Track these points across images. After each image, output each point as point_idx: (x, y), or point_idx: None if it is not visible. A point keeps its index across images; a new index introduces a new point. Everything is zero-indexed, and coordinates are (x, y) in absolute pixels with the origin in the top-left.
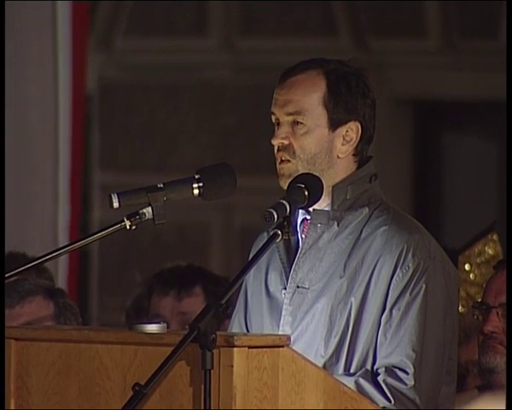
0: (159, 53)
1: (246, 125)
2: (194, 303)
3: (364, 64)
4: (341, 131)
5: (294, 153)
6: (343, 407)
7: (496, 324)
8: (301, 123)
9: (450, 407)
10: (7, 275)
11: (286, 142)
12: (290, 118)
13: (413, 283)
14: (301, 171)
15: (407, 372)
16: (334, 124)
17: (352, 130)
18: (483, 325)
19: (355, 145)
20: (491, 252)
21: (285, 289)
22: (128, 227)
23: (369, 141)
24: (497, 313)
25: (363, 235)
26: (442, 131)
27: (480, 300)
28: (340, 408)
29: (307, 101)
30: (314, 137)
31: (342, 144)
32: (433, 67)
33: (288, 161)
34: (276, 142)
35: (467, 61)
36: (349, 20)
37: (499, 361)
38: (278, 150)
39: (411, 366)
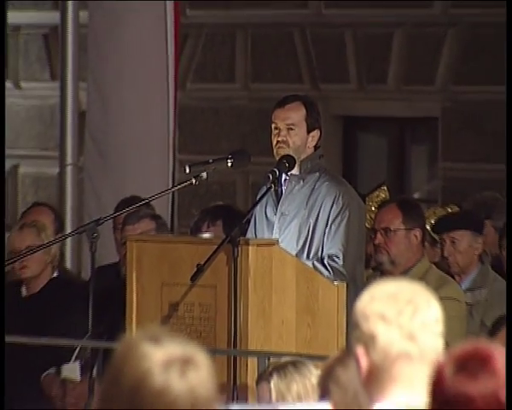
0: (208, 92)
1: (256, 132)
2: (216, 230)
3: (313, 97)
4: (311, 134)
5: (289, 145)
6: (308, 278)
7: (379, 239)
8: (293, 130)
9: (363, 277)
10: (131, 207)
11: (285, 139)
12: (287, 126)
13: (342, 211)
14: (290, 154)
15: (339, 257)
16: (309, 130)
17: (316, 133)
18: (373, 240)
19: (316, 141)
20: (382, 195)
21: (275, 215)
22: (194, 183)
23: (320, 139)
24: (380, 233)
25: (316, 186)
26: (358, 134)
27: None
28: (306, 278)
29: (296, 117)
30: (300, 137)
31: (311, 141)
32: (353, 99)
33: (283, 148)
34: (280, 138)
35: (372, 94)
36: (308, 72)
37: (383, 258)
38: (279, 143)
39: (341, 255)
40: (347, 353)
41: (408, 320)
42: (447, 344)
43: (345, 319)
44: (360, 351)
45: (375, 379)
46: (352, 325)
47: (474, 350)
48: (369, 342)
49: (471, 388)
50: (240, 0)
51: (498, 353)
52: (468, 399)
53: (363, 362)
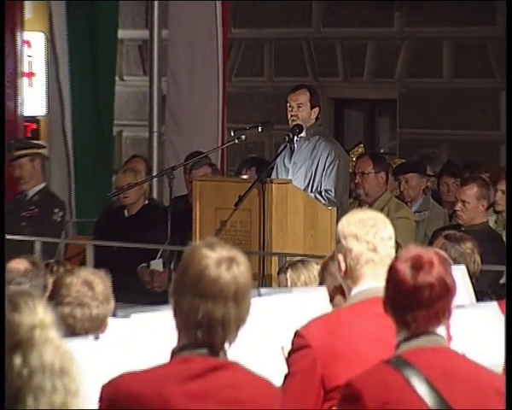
0: (246, 83)
1: (277, 109)
2: (251, 173)
3: (315, 86)
4: (314, 110)
5: (299, 118)
6: (311, 205)
7: (358, 179)
8: (301, 107)
9: (347, 203)
10: (195, 158)
11: (296, 113)
12: (297, 105)
13: (334, 161)
14: (300, 123)
15: (332, 191)
16: (312, 107)
17: (317, 110)
18: (354, 180)
19: (316, 114)
20: (360, 150)
21: (290, 163)
22: (236, 142)
23: (319, 113)
24: (358, 175)
25: (317, 145)
26: (344, 111)
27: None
28: (310, 205)
29: (303, 99)
30: (306, 112)
31: (313, 115)
32: (341, 87)
33: (295, 120)
34: (293, 113)
35: (353, 84)
36: (311, 69)
37: (360, 191)
38: (292, 116)
39: (333, 189)
40: None
41: (372, 238)
42: (401, 248)
43: (335, 232)
44: (340, 258)
45: (350, 276)
46: (335, 240)
47: (421, 254)
48: (346, 252)
49: (430, 277)
50: (267, 22)
51: (435, 253)
52: (430, 285)
53: (343, 266)
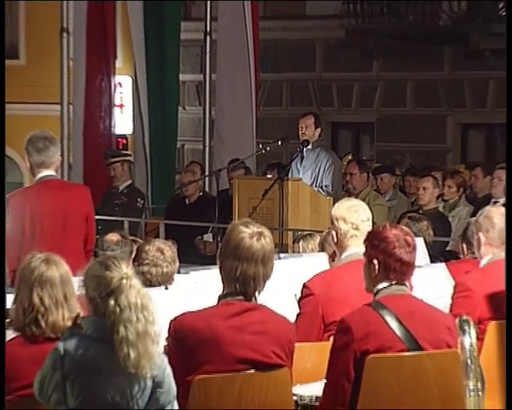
0: (270, 111)
1: (292, 129)
2: (273, 174)
3: (318, 113)
4: (317, 130)
5: (306, 135)
6: (315, 196)
7: (347, 178)
8: (308, 128)
9: (340, 195)
10: (235, 163)
11: (304, 132)
12: (305, 126)
13: (331, 165)
14: (307, 139)
15: (330, 186)
16: (316, 128)
17: (319, 130)
18: (345, 178)
19: (319, 133)
20: (349, 157)
21: (300, 166)
22: (263, 152)
23: (321, 132)
24: (348, 175)
25: (319, 154)
26: (338, 131)
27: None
28: (314, 196)
29: (310, 122)
30: (311, 131)
31: (317, 133)
32: (336, 114)
33: (304, 137)
34: (302, 132)
35: (344, 112)
36: (315, 102)
37: (349, 186)
38: (302, 134)
39: (331, 185)
40: None
41: (355, 220)
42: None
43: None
44: (333, 233)
45: (340, 246)
46: (330, 220)
47: (404, 232)
48: (337, 230)
49: (411, 247)
50: (284, 68)
51: (408, 232)
52: (410, 252)
53: (335, 239)
